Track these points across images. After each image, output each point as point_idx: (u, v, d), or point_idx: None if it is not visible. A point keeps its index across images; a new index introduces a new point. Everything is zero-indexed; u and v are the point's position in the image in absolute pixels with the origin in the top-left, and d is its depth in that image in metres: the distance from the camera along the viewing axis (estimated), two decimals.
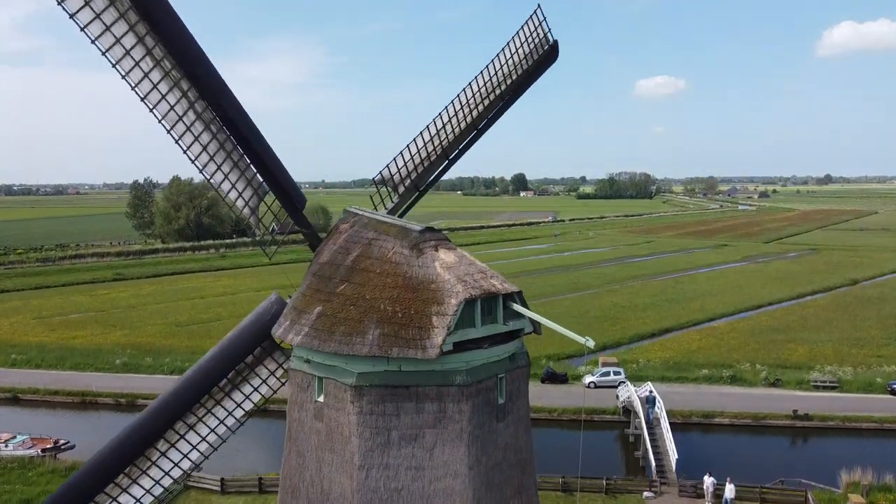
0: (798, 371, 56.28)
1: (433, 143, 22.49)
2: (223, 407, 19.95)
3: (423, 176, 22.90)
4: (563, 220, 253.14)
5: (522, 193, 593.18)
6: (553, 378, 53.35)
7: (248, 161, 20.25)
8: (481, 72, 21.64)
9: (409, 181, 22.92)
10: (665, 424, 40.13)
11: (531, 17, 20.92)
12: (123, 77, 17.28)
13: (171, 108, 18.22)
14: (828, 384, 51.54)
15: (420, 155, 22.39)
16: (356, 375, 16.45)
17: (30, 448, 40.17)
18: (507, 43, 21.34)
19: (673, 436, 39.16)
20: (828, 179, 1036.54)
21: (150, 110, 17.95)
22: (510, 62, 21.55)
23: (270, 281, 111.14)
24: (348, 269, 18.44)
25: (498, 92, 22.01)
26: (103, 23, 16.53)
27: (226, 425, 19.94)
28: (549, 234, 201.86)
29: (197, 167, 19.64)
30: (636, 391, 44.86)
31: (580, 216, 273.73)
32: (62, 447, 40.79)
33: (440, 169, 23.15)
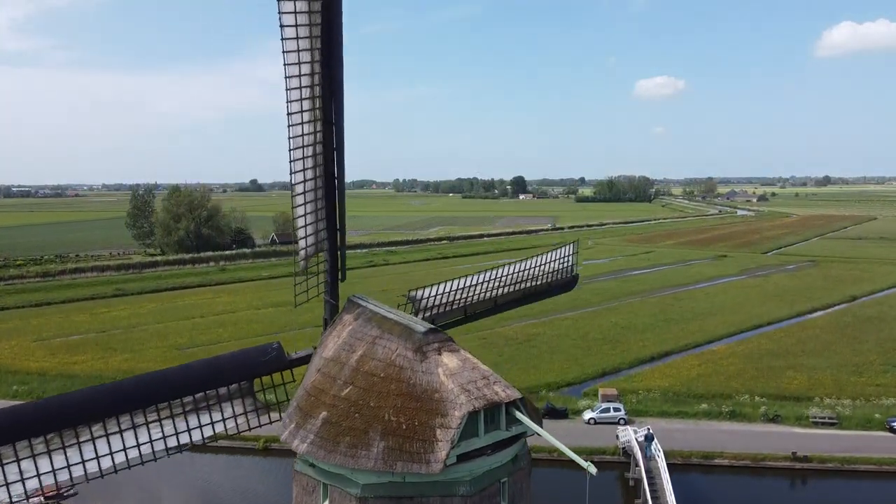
0: (797, 404, 56.49)
1: (459, 301, 24.34)
2: (174, 423, 18.65)
3: (440, 316, 24.11)
4: (563, 228, 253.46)
5: (522, 196, 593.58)
6: (553, 413, 53.51)
7: (325, 216, 21.19)
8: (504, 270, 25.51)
9: (429, 314, 23.96)
10: (665, 476, 40.31)
11: (571, 244, 25.75)
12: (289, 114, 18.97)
13: (302, 136, 19.49)
14: (826, 420, 51.81)
15: (443, 304, 24.07)
16: (361, 487, 16.72)
17: (34, 497, 40.22)
18: (545, 255, 25.73)
19: (673, 476, 39.40)
20: (826, 181, 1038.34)
21: (288, 126, 19.23)
22: (537, 270, 24.21)
23: (269, 297, 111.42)
24: (353, 370, 18.67)
25: (521, 290, 24.41)
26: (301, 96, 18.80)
27: (165, 444, 18.39)
28: (548, 243, 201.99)
29: (292, 194, 20.47)
30: (635, 432, 45.08)
31: (579, 223, 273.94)
32: (65, 494, 40.90)
33: (454, 320, 24.50)
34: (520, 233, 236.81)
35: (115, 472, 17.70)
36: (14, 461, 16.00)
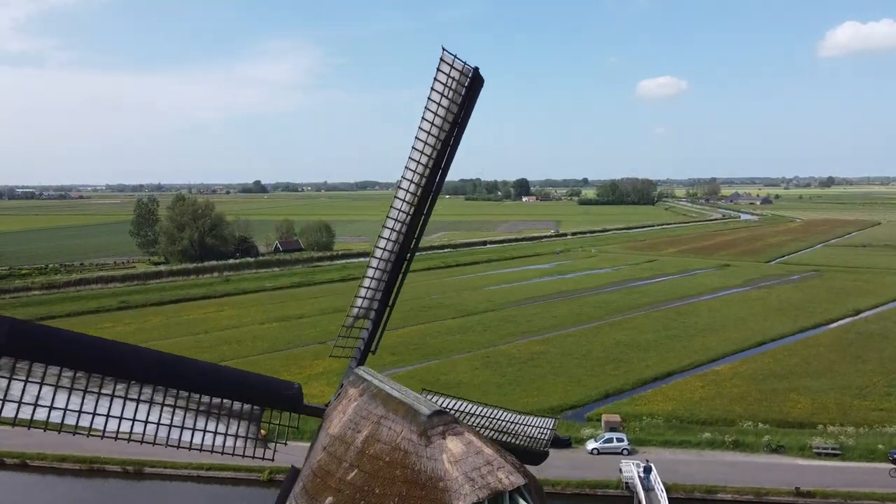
0: (800, 433, 56.58)
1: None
2: (185, 415, 18.19)
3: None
4: (566, 235, 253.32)
5: (525, 198, 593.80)
6: (556, 443, 53.23)
7: (385, 288, 21.45)
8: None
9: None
10: None
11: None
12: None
13: (401, 210, 20.21)
14: (829, 451, 51.90)
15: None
16: None
17: None
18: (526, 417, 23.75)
19: None
20: (830, 182, 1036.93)
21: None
22: (512, 425, 23.40)
23: (273, 311, 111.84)
24: (358, 451, 18.85)
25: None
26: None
27: (168, 433, 17.57)
28: (551, 250, 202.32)
29: (371, 254, 21.08)
30: (637, 466, 45.26)
31: (582, 229, 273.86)
32: None
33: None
34: (523, 239, 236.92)
35: (116, 438, 16.30)
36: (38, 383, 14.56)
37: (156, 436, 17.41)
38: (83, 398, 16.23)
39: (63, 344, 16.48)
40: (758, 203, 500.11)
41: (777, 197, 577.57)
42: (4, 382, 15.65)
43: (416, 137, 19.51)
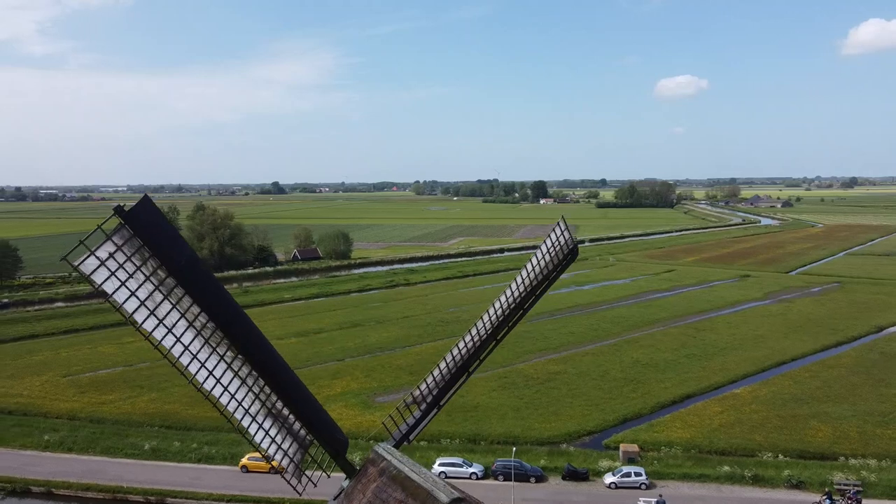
0: (821, 465, 56.08)
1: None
2: (262, 407, 21.04)
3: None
4: (583, 241, 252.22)
5: (542, 201, 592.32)
6: (574, 475, 53.66)
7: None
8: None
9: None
10: None
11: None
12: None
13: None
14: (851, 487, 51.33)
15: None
16: None
17: None
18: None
19: None
20: (853, 182, 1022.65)
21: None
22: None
23: (292, 326, 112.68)
24: None
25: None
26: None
27: (243, 412, 20.43)
28: None
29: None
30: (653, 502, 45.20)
31: (600, 234, 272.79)
32: None
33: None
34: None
35: (198, 390, 19.29)
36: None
37: (229, 407, 19.88)
38: (202, 346, 19.06)
39: (216, 296, 19.22)
40: (778, 206, 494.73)
41: (798, 199, 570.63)
42: (159, 297, 17.74)
43: (517, 277, 23.27)
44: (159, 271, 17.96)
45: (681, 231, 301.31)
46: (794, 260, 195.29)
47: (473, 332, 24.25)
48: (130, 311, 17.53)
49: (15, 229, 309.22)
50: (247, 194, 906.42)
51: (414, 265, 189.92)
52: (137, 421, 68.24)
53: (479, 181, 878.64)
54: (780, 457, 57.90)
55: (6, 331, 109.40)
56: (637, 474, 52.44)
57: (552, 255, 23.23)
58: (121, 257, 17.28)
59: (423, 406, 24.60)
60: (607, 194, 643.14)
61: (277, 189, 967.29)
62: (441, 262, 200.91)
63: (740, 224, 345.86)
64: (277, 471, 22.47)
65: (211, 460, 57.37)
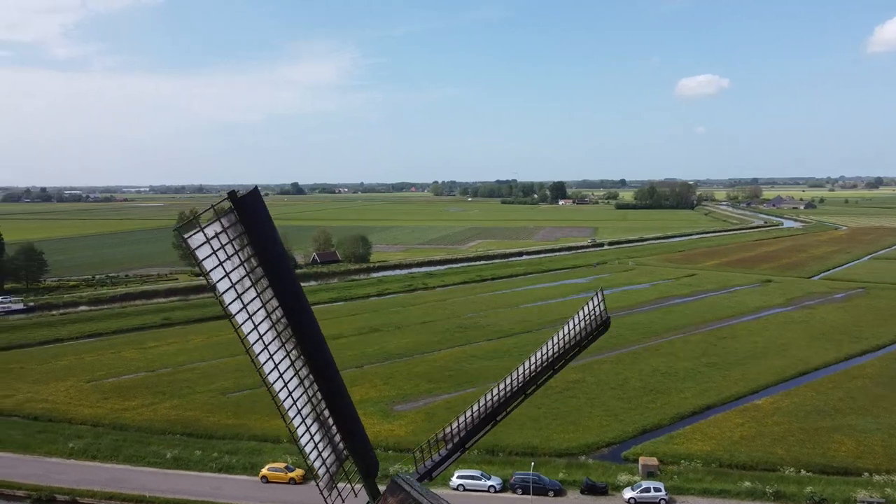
0: (845, 481, 55.30)
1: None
2: (310, 406, 22.34)
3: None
4: (603, 245, 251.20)
5: (561, 202, 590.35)
6: (592, 490, 53.47)
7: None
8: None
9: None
10: None
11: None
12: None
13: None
14: None
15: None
16: None
17: None
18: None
19: None
20: (878, 183, 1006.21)
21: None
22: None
23: None
24: None
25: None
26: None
27: (292, 399, 21.77)
28: (588, 262, 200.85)
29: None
30: None
31: (619, 238, 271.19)
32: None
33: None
34: (559, 250, 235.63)
35: (262, 381, 20.94)
36: None
37: (285, 403, 21.28)
38: (274, 339, 20.52)
39: (294, 294, 20.48)
40: (801, 207, 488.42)
41: (821, 200, 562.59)
42: (248, 283, 19.46)
43: (551, 338, 24.67)
44: (252, 259, 19.38)
45: (701, 234, 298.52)
46: (817, 264, 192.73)
47: (503, 384, 24.99)
48: (221, 290, 19.07)
49: (39, 231, 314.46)
50: (266, 195, 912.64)
51: (432, 269, 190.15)
52: (159, 428, 69.04)
53: (498, 181, 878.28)
54: (803, 472, 57.18)
55: (32, 335, 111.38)
56: (657, 490, 52.11)
57: (585, 323, 24.77)
58: (224, 239, 18.66)
59: (450, 446, 25.09)
60: (627, 195, 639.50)
61: (297, 189, 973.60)
62: (459, 265, 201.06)
63: (762, 226, 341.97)
64: (297, 482, 23.94)
65: (231, 470, 57.92)
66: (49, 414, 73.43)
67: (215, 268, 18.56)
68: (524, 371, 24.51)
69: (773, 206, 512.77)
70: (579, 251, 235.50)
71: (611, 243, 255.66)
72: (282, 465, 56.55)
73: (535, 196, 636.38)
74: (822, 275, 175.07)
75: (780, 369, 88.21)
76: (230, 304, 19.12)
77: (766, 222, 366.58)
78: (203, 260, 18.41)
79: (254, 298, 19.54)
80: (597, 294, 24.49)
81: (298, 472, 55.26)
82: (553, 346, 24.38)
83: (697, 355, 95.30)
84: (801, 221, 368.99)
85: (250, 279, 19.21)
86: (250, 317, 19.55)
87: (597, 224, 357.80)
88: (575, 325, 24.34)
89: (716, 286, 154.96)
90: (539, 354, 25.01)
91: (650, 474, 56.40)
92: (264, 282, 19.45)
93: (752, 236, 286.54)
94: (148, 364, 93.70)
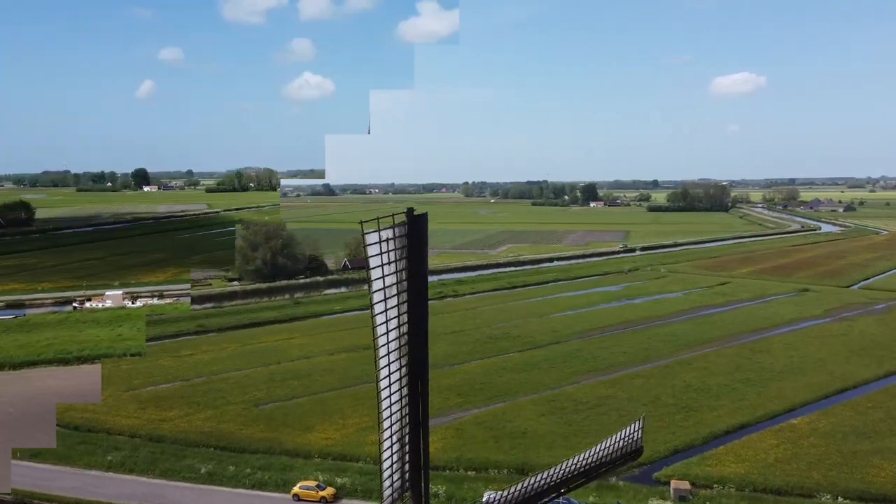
0: None
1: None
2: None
3: None
4: (634, 250, 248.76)
5: (592, 204, 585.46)
6: None
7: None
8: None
9: None
10: None
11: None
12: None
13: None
14: None
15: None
16: None
17: None
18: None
19: None
20: None
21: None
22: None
23: (342, 341, 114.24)
24: None
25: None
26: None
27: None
28: (619, 268, 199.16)
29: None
30: None
31: (651, 244, 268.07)
32: None
33: None
34: (590, 255, 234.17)
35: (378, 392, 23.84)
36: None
37: (383, 413, 23.77)
38: (396, 346, 23.64)
39: (421, 315, 23.77)
40: (840, 210, 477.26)
41: (861, 203, 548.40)
42: (394, 292, 22.77)
43: (582, 454, 27.95)
44: (403, 272, 22.25)
45: (736, 239, 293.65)
46: (857, 272, 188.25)
47: (529, 482, 25.81)
48: (374, 289, 21.79)
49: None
50: (298, 196, 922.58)
51: (462, 275, 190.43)
52: (194, 440, 70.34)
53: (529, 182, 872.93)
54: (840, 499, 56.02)
55: None
56: None
57: (618, 447, 26.01)
58: (391, 245, 21.49)
59: None
60: (659, 196, 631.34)
61: (328, 190, 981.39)
62: (489, 271, 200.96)
63: (799, 231, 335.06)
64: (329, 502, 26.32)
65: (263, 486, 58.80)
66: (89, 423, 75.27)
67: (376, 267, 21.24)
68: (552, 475, 26.04)
69: (811, 208, 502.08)
70: (610, 257, 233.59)
71: (643, 248, 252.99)
72: (313, 482, 57.18)
73: (566, 198, 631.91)
74: (862, 283, 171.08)
75: (817, 387, 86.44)
76: (376, 303, 21.86)
77: (802, 226, 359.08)
78: (371, 257, 21.15)
79: (395, 306, 22.43)
80: (638, 420, 26.66)
81: (329, 491, 55.86)
82: (582, 460, 26.00)
83: (731, 370, 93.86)
84: (840, 225, 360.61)
85: (396, 289, 21.99)
86: (387, 321, 22.23)
87: (628, 227, 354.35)
88: (607, 447, 26.15)
89: (751, 295, 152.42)
90: (564, 466, 26.66)
91: (682, 498, 55.80)
92: (405, 295, 22.27)
93: (789, 241, 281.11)
94: (183, 373, 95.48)
